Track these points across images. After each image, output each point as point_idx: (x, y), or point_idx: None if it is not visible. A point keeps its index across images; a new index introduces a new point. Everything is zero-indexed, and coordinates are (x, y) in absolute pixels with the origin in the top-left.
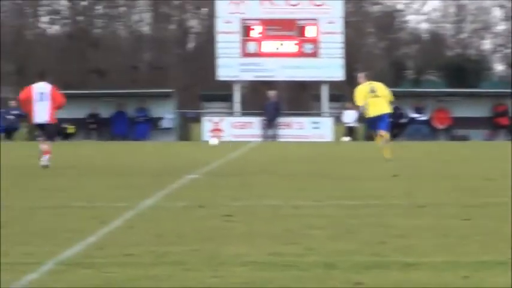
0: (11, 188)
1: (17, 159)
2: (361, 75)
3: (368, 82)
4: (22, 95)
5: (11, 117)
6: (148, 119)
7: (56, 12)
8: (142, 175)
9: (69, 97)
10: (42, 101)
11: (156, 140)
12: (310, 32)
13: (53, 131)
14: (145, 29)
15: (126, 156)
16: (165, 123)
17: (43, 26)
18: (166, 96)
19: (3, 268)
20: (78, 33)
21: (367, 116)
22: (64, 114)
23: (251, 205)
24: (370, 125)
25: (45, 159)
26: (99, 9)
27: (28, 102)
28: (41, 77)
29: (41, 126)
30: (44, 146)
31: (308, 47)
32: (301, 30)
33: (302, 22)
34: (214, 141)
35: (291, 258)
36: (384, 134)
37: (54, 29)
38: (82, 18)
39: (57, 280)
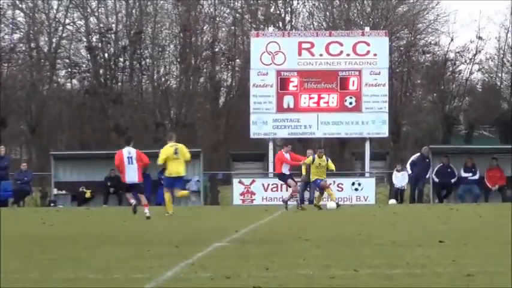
0: (17, 259)
1: (27, 226)
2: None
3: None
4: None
5: (21, 181)
6: None
7: (75, 65)
8: (165, 243)
9: (86, 158)
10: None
11: (181, 205)
12: (352, 84)
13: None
14: (172, 82)
15: (147, 223)
16: (191, 186)
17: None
18: (193, 156)
19: None
20: (98, 88)
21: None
22: (81, 177)
23: (283, 275)
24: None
25: (147, 212)
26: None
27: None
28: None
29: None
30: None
31: (350, 101)
32: (342, 83)
33: (343, 73)
34: (332, 204)
35: None
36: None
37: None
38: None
39: None
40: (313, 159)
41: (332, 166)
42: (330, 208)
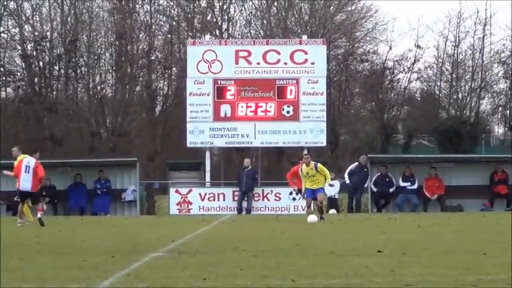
0: None
1: None
2: None
3: None
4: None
5: None
6: (109, 191)
7: (9, 73)
8: (101, 253)
9: None
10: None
11: (117, 214)
12: (290, 93)
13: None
14: (108, 91)
15: (83, 233)
16: (127, 196)
17: None
18: (129, 165)
19: None
20: (33, 96)
21: None
22: (15, 186)
23: (220, 286)
24: None
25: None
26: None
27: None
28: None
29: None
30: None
31: (287, 110)
32: (279, 91)
33: (281, 82)
34: (313, 218)
35: None
36: None
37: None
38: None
39: None
40: (301, 169)
41: (328, 175)
42: (310, 222)
